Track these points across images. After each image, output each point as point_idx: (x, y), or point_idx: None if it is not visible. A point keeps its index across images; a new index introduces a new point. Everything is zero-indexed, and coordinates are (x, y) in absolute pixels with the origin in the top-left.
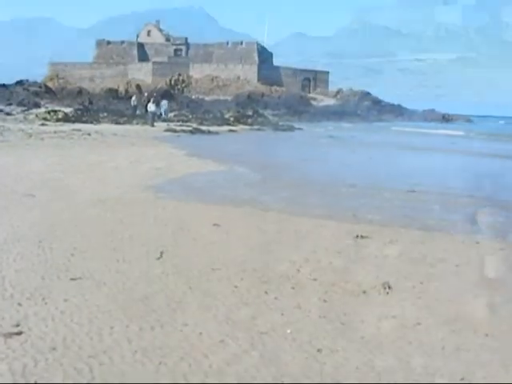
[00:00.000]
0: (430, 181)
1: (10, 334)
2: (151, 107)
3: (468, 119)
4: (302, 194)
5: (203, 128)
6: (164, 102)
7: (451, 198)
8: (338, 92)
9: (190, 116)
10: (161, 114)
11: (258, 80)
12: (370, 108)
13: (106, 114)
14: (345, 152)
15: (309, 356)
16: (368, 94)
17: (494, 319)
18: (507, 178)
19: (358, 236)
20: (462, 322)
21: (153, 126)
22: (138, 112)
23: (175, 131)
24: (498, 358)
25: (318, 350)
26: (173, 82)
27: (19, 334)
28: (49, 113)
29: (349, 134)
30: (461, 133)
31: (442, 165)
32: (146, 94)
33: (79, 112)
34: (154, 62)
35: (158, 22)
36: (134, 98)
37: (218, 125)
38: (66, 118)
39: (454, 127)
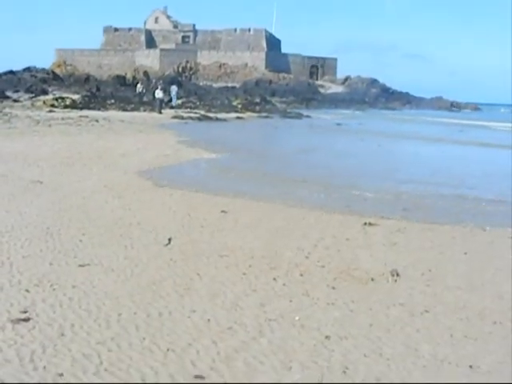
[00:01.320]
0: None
1: (18, 321)
2: (159, 94)
3: (476, 107)
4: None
5: (211, 115)
6: (173, 88)
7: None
8: (346, 79)
9: (198, 103)
10: (170, 100)
11: (266, 67)
12: (377, 95)
13: (113, 101)
14: (350, 141)
15: (317, 343)
16: (376, 81)
17: (502, 307)
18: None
19: (366, 223)
20: (470, 310)
21: (160, 112)
22: (145, 99)
23: (183, 118)
24: (506, 346)
25: (327, 337)
26: (180, 69)
27: (27, 320)
28: (56, 99)
29: (357, 122)
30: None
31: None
32: (153, 81)
33: (87, 99)
34: (161, 49)
35: (165, 8)
36: (139, 85)
37: (226, 112)
38: (74, 105)
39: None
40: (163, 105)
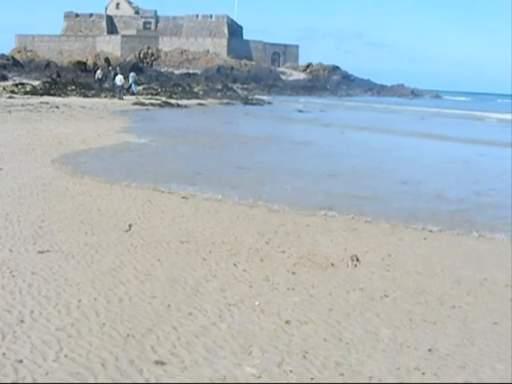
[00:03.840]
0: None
1: None
2: (119, 80)
3: (437, 95)
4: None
5: (172, 101)
6: (132, 75)
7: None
8: (308, 66)
9: (159, 89)
10: (130, 87)
11: (228, 54)
12: (339, 82)
13: (74, 87)
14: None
15: (277, 327)
16: (337, 68)
17: (461, 292)
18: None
19: (324, 209)
20: (430, 295)
21: (121, 99)
22: (106, 85)
23: (144, 104)
24: (464, 330)
25: (287, 322)
26: (142, 55)
27: None
28: (16, 85)
29: (316, 108)
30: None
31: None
32: (110, 68)
33: (47, 85)
34: (122, 35)
35: None
36: (99, 71)
37: (188, 98)
38: (34, 91)
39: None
40: (124, 91)
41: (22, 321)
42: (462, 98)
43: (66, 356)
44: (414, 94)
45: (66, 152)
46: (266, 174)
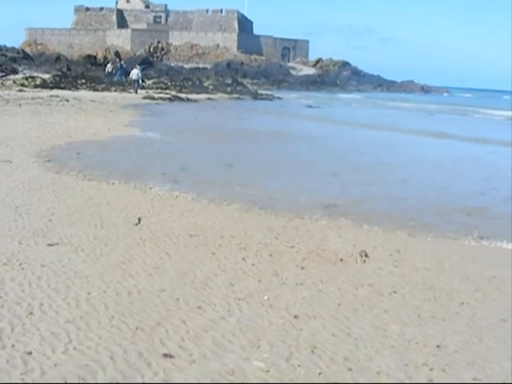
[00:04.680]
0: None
1: None
2: (135, 75)
3: (446, 91)
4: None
5: (182, 96)
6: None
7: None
8: (318, 61)
9: (169, 83)
10: (143, 81)
11: (238, 48)
12: (349, 78)
13: (84, 81)
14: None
15: (285, 322)
16: (347, 63)
17: (469, 288)
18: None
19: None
20: (438, 291)
21: (136, 92)
22: (116, 79)
23: (153, 99)
24: (473, 326)
25: (295, 317)
26: (152, 49)
27: None
28: (27, 79)
29: (325, 104)
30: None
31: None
32: (116, 62)
33: (57, 78)
34: (133, 29)
35: None
36: (109, 65)
37: (197, 93)
38: (44, 85)
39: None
40: (137, 85)
41: (31, 313)
42: (468, 95)
43: (74, 348)
44: (424, 90)
45: (76, 146)
46: (265, 172)
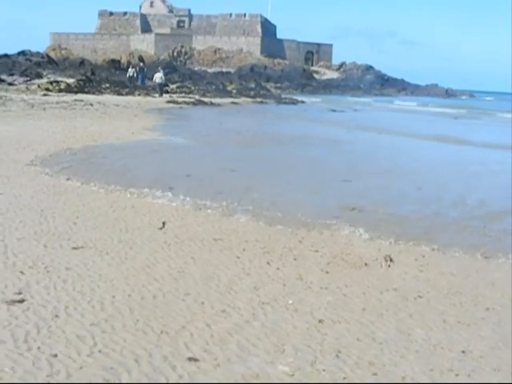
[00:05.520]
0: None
1: (13, 302)
2: (158, 78)
3: (471, 94)
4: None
5: (205, 100)
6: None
7: None
8: (341, 65)
9: (193, 88)
10: (166, 85)
11: (261, 52)
12: (372, 82)
13: (108, 85)
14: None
15: (310, 326)
16: (371, 67)
17: (495, 293)
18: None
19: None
20: (464, 296)
21: (161, 95)
22: (139, 83)
23: (177, 103)
24: (498, 332)
25: (320, 321)
26: (175, 54)
27: (21, 301)
28: (51, 83)
29: (350, 108)
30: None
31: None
32: (137, 67)
33: (81, 83)
34: (156, 34)
35: None
36: (130, 68)
37: (221, 97)
38: (69, 89)
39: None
40: (163, 88)
41: (56, 316)
42: (490, 98)
43: (100, 351)
44: (448, 93)
45: (100, 150)
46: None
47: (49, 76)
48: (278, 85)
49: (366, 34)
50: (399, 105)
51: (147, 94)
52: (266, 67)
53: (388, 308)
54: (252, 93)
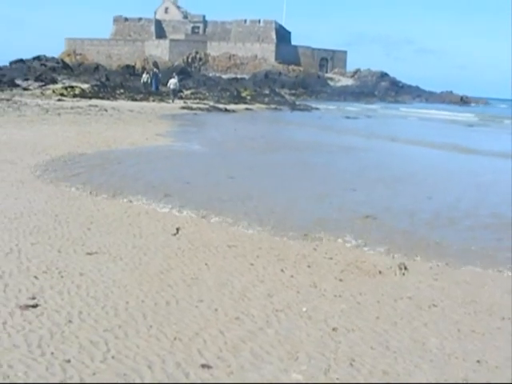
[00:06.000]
0: None
1: (27, 307)
2: (172, 84)
3: (486, 102)
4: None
5: (220, 106)
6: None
7: None
8: (356, 72)
9: (207, 94)
10: (180, 90)
11: (276, 59)
12: (387, 89)
13: (122, 91)
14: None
15: (324, 334)
16: (386, 74)
17: (511, 303)
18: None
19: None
20: (479, 305)
21: (173, 101)
22: (153, 89)
23: (192, 109)
24: None
25: (334, 329)
26: (190, 60)
27: (35, 306)
28: (66, 88)
29: (364, 115)
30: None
31: None
32: (150, 73)
33: (96, 88)
34: (171, 40)
35: None
36: (144, 74)
37: (235, 103)
38: (83, 94)
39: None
40: (176, 94)
41: (70, 321)
42: (504, 106)
43: (113, 357)
44: (463, 101)
45: (115, 155)
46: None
47: (63, 81)
48: (293, 91)
49: (381, 41)
50: (406, 111)
51: (161, 100)
52: (280, 73)
53: (402, 316)
54: (266, 99)
